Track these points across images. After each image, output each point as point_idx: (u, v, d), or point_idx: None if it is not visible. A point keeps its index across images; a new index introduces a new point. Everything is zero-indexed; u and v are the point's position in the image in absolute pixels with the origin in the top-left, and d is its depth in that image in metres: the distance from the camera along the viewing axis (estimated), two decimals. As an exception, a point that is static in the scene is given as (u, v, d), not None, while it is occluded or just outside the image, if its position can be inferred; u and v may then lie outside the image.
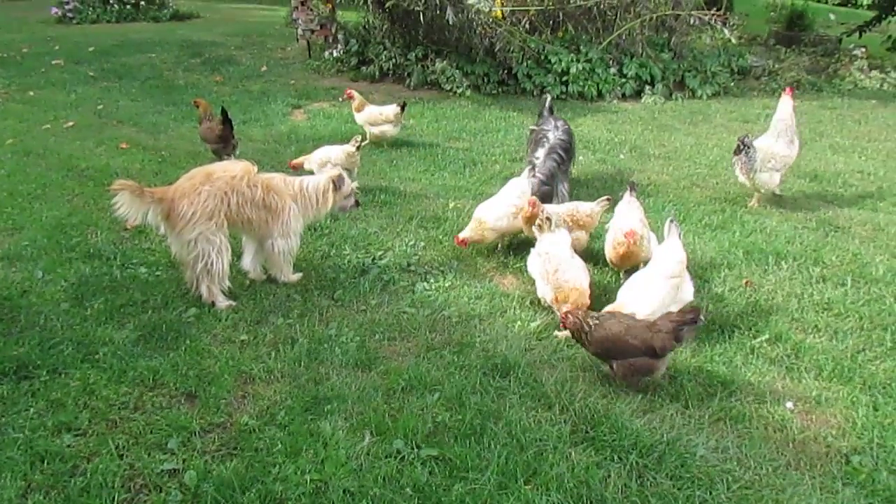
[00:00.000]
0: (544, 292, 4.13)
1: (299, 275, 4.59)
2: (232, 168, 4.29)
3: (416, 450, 3.08)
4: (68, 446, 3.09)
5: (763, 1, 14.72)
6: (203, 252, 4.13)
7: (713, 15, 10.13)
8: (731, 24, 10.47)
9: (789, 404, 3.48)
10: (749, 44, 12.44)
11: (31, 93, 9.34)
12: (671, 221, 4.15)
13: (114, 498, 2.81)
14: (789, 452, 3.15)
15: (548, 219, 4.35)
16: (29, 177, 6.25)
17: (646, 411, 3.38)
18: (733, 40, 10.54)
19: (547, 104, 6.41)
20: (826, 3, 21.13)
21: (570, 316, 3.62)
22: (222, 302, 4.25)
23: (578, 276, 4.01)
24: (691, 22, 10.26)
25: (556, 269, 4.04)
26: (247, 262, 4.59)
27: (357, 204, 4.81)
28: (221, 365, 3.67)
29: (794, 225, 5.56)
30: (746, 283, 4.59)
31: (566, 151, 5.64)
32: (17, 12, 16.53)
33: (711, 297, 4.43)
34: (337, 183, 4.55)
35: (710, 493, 2.87)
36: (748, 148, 5.70)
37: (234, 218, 4.23)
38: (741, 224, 5.53)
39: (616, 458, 3.05)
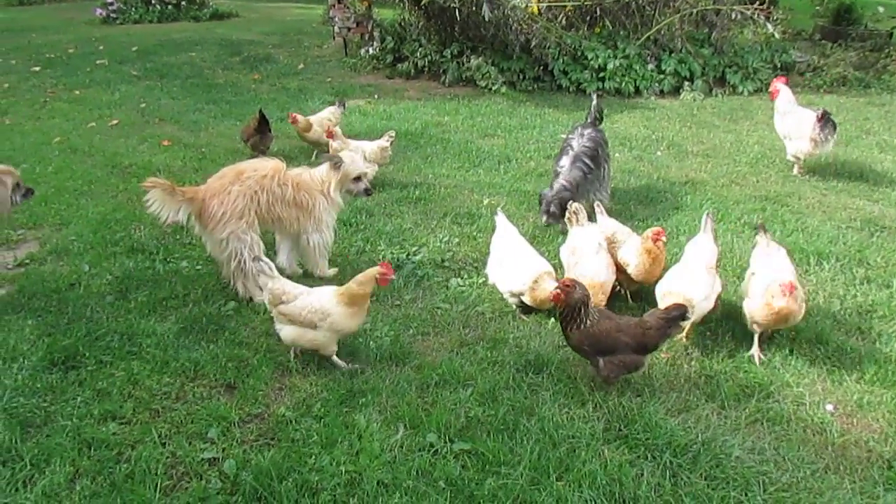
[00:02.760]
0: None
1: (335, 270, 4.66)
2: (262, 167, 4.35)
3: (448, 443, 3.11)
4: (114, 434, 3.20)
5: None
6: (235, 251, 4.22)
7: (756, 9, 9.93)
8: (775, 18, 10.23)
9: (829, 407, 3.41)
10: (793, 39, 12.11)
11: (77, 92, 9.61)
12: (707, 215, 4.13)
13: (157, 484, 2.91)
14: (828, 456, 3.10)
15: (575, 213, 4.34)
16: (75, 173, 6.45)
17: (680, 410, 3.35)
18: (777, 35, 10.28)
19: (594, 107, 6.01)
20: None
21: (571, 292, 3.42)
22: (259, 296, 4.34)
23: (599, 272, 4.00)
24: (733, 16, 10.05)
25: (577, 262, 4.05)
26: (282, 259, 4.67)
27: (367, 192, 4.73)
28: (259, 357, 3.75)
29: (837, 224, 5.43)
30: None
31: (592, 159, 5.41)
32: (64, 13, 17.02)
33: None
34: (335, 164, 4.50)
35: (746, 495, 2.84)
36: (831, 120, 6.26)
37: (264, 216, 4.31)
38: (782, 223, 5.42)
39: (650, 456, 3.04)
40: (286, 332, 3.63)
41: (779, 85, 6.73)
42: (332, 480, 2.91)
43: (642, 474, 2.94)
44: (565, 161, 5.41)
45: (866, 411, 3.39)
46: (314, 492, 2.86)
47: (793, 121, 6.49)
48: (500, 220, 4.49)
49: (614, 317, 3.53)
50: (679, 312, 3.41)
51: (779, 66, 10.36)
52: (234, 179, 4.23)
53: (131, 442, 3.16)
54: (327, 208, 4.49)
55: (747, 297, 3.83)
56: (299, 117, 6.65)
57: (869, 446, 3.16)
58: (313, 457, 3.04)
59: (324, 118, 6.82)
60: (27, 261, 4.86)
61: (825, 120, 6.24)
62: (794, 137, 6.51)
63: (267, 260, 3.74)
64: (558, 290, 3.45)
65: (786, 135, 6.60)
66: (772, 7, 10.60)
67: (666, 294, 3.80)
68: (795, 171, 6.62)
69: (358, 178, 4.62)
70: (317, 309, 3.54)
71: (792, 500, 2.84)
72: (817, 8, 12.94)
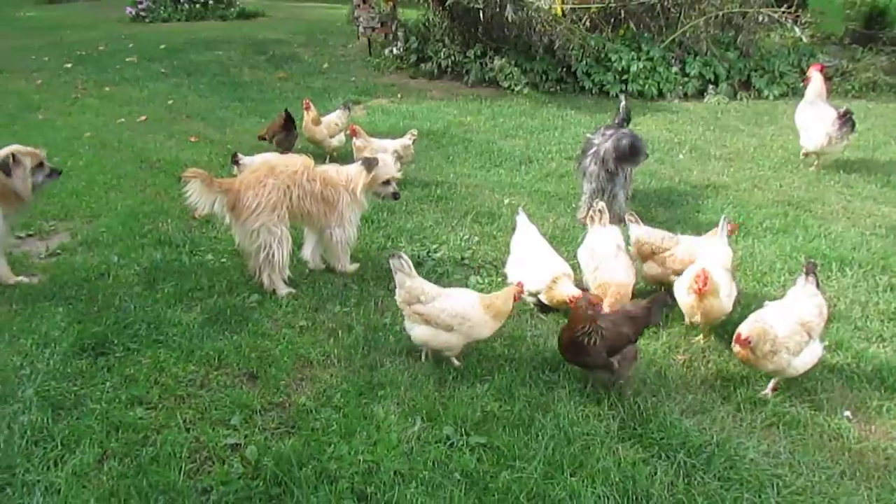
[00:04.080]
0: (588, 283, 4.19)
1: (356, 265, 4.73)
2: (293, 163, 4.46)
3: (465, 437, 3.17)
4: (140, 418, 3.30)
5: (841, -1, 14.18)
6: (265, 242, 4.31)
7: (783, 12, 9.85)
8: (803, 21, 10.11)
9: (847, 413, 3.41)
10: (822, 43, 11.96)
11: (107, 88, 9.82)
12: (724, 218, 4.14)
13: (181, 468, 3.00)
14: (844, 462, 3.10)
15: (600, 211, 4.37)
16: (105, 168, 6.61)
17: (696, 412, 3.37)
18: (804, 39, 10.19)
19: (622, 108, 5.99)
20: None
21: (588, 310, 3.38)
22: (283, 290, 4.43)
23: (618, 274, 4.02)
24: (760, 19, 9.98)
25: (596, 266, 4.08)
26: (307, 252, 4.76)
27: (396, 196, 4.81)
28: (282, 348, 3.84)
29: (861, 231, 5.39)
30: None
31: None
32: (95, 12, 17.35)
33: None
34: (368, 165, 4.58)
35: (759, 497, 2.86)
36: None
37: (295, 211, 4.40)
38: (804, 228, 5.39)
39: (664, 455, 3.07)
40: (418, 331, 3.61)
41: (814, 72, 6.84)
42: (350, 469, 2.98)
43: (655, 473, 2.97)
44: (588, 160, 5.40)
45: (885, 418, 3.38)
46: (332, 479, 2.93)
47: (813, 113, 6.61)
48: (521, 219, 4.53)
49: (607, 315, 3.54)
50: (663, 298, 3.54)
51: (806, 70, 10.24)
52: (268, 173, 4.34)
53: (157, 426, 3.26)
54: (351, 205, 4.56)
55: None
56: (312, 106, 6.80)
57: (887, 453, 3.16)
58: (332, 445, 3.11)
59: (331, 121, 6.88)
60: (59, 251, 5.00)
61: (846, 119, 6.32)
62: (809, 130, 6.62)
63: (406, 257, 3.66)
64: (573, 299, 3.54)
65: (803, 125, 6.75)
66: (800, 10, 10.47)
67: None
68: (813, 167, 6.77)
69: (387, 182, 4.71)
70: (458, 313, 3.53)
71: (806, 504, 2.85)
72: (847, 11, 12.75)
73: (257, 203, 4.26)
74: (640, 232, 4.36)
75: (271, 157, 5.25)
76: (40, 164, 4.44)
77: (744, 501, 2.83)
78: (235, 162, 5.69)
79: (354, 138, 6.23)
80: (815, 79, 6.79)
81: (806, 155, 6.79)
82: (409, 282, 3.63)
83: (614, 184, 5.32)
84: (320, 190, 4.44)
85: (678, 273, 4.07)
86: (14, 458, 3.02)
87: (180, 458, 3.05)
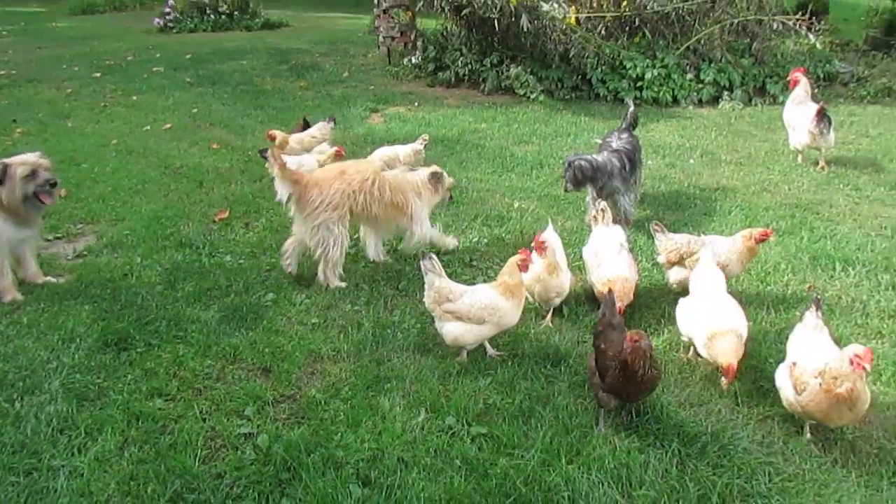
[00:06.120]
0: (593, 282, 4.29)
1: (455, 240, 5.15)
2: (364, 169, 4.72)
3: (466, 427, 3.29)
4: (160, 409, 3.48)
5: (864, 6, 14.11)
6: (322, 239, 4.55)
7: (798, 19, 9.87)
8: (817, 29, 10.12)
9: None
10: (841, 50, 11.94)
11: (134, 97, 10.13)
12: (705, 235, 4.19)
13: (197, 454, 3.17)
14: (837, 451, 3.18)
15: (603, 211, 4.47)
16: (130, 173, 6.85)
17: (693, 404, 3.46)
18: (818, 45, 10.20)
19: (630, 113, 6.05)
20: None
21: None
22: (335, 283, 4.68)
23: (622, 270, 4.12)
24: (774, 27, 10.01)
25: (600, 263, 4.19)
26: (371, 252, 5.05)
27: (451, 198, 5.27)
28: (294, 344, 4.00)
29: (866, 232, 5.42)
30: (809, 287, 4.55)
31: (630, 161, 5.53)
32: (124, 22, 17.81)
33: (772, 299, 4.42)
34: (436, 177, 4.94)
35: (750, 483, 2.94)
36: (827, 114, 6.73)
37: (359, 214, 4.66)
38: (810, 229, 5.44)
39: (658, 444, 3.17)
40: (450, 328, 3.74)
41: (798, 75, 7.17)
42: (356, 455, 3.12)
43: (649, 461, 3.07)
44: (604, 152, 5.53)
45: (880, 411, 3.44)
46: (339, 465, 3.08)
47: (800, 112, 6.94)
48: (549, 229, 4.54)
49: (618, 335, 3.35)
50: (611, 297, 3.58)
51: (822, 76, 10.26)
52: (337, 176, 4.59)
53: (175, 416, 3.44)
54: (421, 206, 4.86)
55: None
56: (277, 133, 6.56)
57: (880, 444, 3.23)
58: (340, 434, 3.26)
59: (306, 136, 6.66)
60: (85, 252, 5.23)
61: (822, 115, 6.66)
62: (796, 128, 6.99)
63: (436, 258, 3.82)
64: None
65: (790, 124, 7.11)
66: (813, 18, 10.48)
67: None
68: (801, 159, 7.20)
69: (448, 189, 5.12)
70: (486, 305, 3.68)
71: (796, 490, 2.93)
72: (863, 19, 12.72)
73: (320, 201, 4.50)
74: (666, 239, 4.42)
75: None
76: (33, 174, 4.42)
77: (734, 487, 2.92)
78: (264, 157, 5.78)
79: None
80: (802, 82, 7.10)
81: (797, 153, 7.20)
82: (438, 282, 3.78)
83: (616, 187, 5.42)
84: (389, 197, 4.68)
85: None
86: (40, 445, 3.20)
87: (196, 446, 3.21)
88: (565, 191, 5.49)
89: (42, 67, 12.05)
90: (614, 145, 5.61)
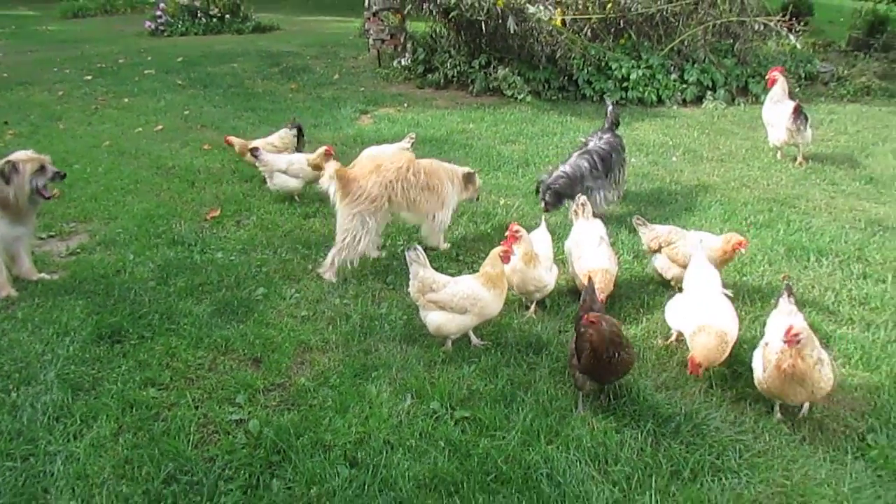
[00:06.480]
0: (574, 273, 4.42)
1: (448, 245, 5.29)
2: (398, 159, 4.98)
3: (450, 411, 3.42)
4: (153, 397, 3.59)
5: (849, 8, 14.37)
6: (354, 228, 4.74)
7: (778, 20, 10.07)
8: (797, 29, 10.33)
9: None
10: (823, 50, 12.17)
11: (126, 100, 10.19)
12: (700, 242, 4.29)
13: (189, 439, 3.28)
14: (805, 429, 3.32)
15: (583, 205, 4.61)
16: (123, 174, 6.94)
17: (669, 388, 3.60)
18: (798, 46, 10.41)
19: (610, 113, 6.16)
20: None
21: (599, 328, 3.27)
22: (329, 274, 4.81)
23: (602, 261, 4.25)
24: (756, 28, 10.21)
25: (579, 256, 4.32)
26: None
27: (478, 198, 5.62)
28: (284, 336, 4.11)
29: (841, 225, 5.59)
30: (784, 277, 4.70)
31: (602, 160, 5.64)
32: (115, 26, 17.85)
33: (748, 289, 4.57)
34: (469, 177, 5.28)
35: (721, 459, 3.08)
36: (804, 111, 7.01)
37: (399, 201, 4.89)
38: (786, 223, 5.60)
39: (634, 424, 3.30)
40: (433, 317, 3.87)
41: (776, 74, 7.42)
42: (344, 439, 3.24)
43: (625, 440, 3.20)
44: (574, 154, 5.66)
45: (847, 392, 3.59)
46: (327, 448, 3.20)
47: (778, 110, 7.21)
48: (542, 227, 4.72)
49: (604, 320, 3.39)
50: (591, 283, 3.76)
51: (803, 76, 10.47)
52: (374, 170, 4.82)
53: (168, 404, 3.54)
54: (452, 193, 5.12)
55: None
56: (234, 140, 6.69)
57: (846, 422, 3.37)
58: (328, 419, 3.38)
59: (268, 142, 6.63)
60: (78, 250, 5.32)
61: (798, 112, 6.92)
62: (774, 126, 7.25)
63: (421, 249, 3.95)
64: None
65: (769, 121, 7.37)
66: (794, 19, 10.69)
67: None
68: (780, 155, 7.45)
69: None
70: (468, 295, 3.81)
71: (765, 465, 3.07)
72: (841, 20, 12.96)
73: (360, 193, 4.73)
74: (648, 230, 4.61)
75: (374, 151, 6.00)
76: (41, 169, 4.62)
77: (706, 463, 3.06)
78: (255, 156, 6.08)
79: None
80: (780, 81, 7.35)
81: (776, 150, 7.44)
82: (422, 272, 3.91)
83: (587, 187, 5.53)
84: (426, 181, 4.94)
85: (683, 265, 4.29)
86: (37, 432, 3.31)
87: (189, 432, 3.32)
88: (545, 211, 5.47)
89: (33, 70, 12.10)
90: (590, 146, 5.73)
